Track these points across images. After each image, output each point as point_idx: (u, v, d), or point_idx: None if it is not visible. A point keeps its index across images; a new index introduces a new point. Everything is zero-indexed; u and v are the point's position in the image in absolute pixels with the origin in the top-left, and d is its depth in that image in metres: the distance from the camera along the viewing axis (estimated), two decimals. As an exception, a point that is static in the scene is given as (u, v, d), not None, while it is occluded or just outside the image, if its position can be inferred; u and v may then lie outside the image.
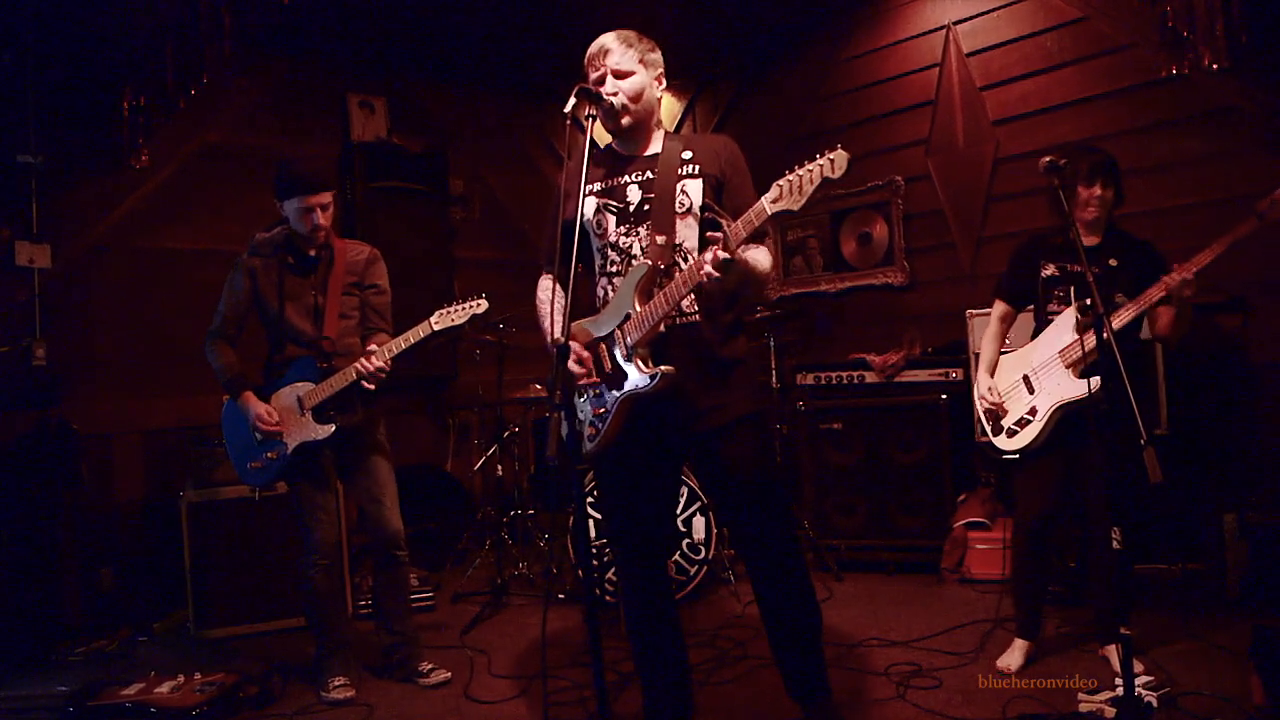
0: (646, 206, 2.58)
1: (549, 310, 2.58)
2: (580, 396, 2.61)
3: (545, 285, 2.86)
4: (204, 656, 4.08)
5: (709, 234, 2.34)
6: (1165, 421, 4.15)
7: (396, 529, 3.56)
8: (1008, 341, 3.70)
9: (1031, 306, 3.50)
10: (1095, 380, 3.08)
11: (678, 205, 2.57)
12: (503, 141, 6.89)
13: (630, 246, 2.60)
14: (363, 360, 3.32)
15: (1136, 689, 2.59)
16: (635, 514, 2.72)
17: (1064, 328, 3.28)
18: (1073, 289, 3.27)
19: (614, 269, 2.63)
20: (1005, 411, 3.40)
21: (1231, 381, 4.41)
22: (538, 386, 5.31)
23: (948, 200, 5.53)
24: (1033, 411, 3.30)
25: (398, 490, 3.63)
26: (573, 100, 2.40)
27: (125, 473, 4.99)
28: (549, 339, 2.54)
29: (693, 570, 4.39)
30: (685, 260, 2.53)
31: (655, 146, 2.70)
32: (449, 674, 3.60)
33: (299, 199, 3.38)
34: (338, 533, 3.63)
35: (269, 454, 3.46)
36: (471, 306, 3.32)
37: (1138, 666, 2.97)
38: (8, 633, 4.19)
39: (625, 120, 2.61)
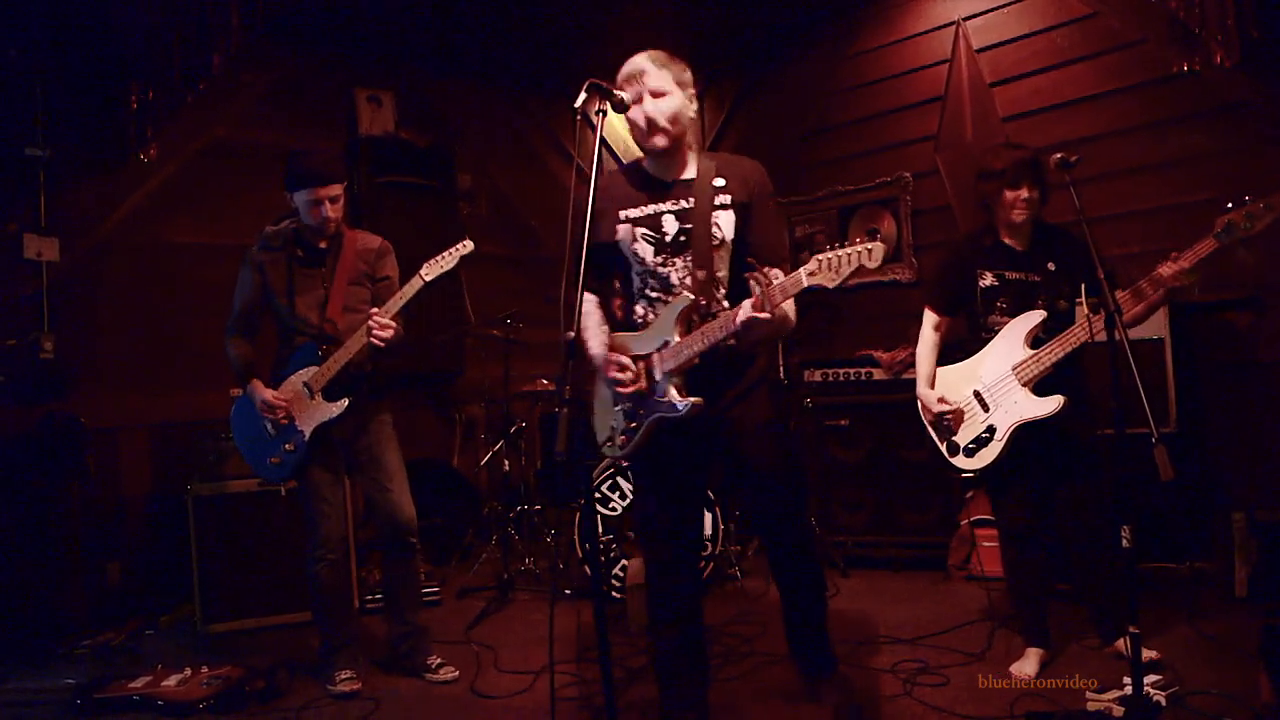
0: (683, 238, 2.68)
1: (585, 326, 2.76)
2: (616, 404, 2.75)
3: (585, 302, 2.81)
4: (210, 650, 4.09)
5: (750, 279, 2.46)
6: (1174, 420, 4.14)
7: (408, 516, 3.51)
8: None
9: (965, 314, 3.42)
10: (1059, 399, 3.09)
11: (713, 239, 2.67)
12: (510, 137, 6.88)
13: (668, 275, 2.70)
14: (370, 321, 3.26)
15: (1144, 688, 2.58)
16: (665, 515, 2.82)
17: (1013, 341, 3.21)
18: (1040, 298, 3.21)
19: (653, 294, 2.73)
20: (960, 426, 3.32)
21: (1241, 379, 4.39)
22: (544, 382, 5.32)
23: (956, 197, 5.51)
24: (990, 430, 3.24)
25: (405, 477, 3.58)
26: (583, 95, 2.39)
27: (132, 467, 5.00)
28: (590, 357, 2.76)
29: (700, 562, 4.38)
30: (720, 290, 2.66)
31: (690, 170, 2.75)
32: (457, 671, 3.57)
33: (308, 191, 3.37)
34: (344, 527, 3.60)
35: (287, 445, 3.42)
36: (458, 250, 3.33)
37: (1145, 652, 2.95)
38: (15, 626, 4.20)
39: (660, 140, 2.66)
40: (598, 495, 4.38)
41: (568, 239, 2.44)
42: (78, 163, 4.81)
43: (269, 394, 3.40)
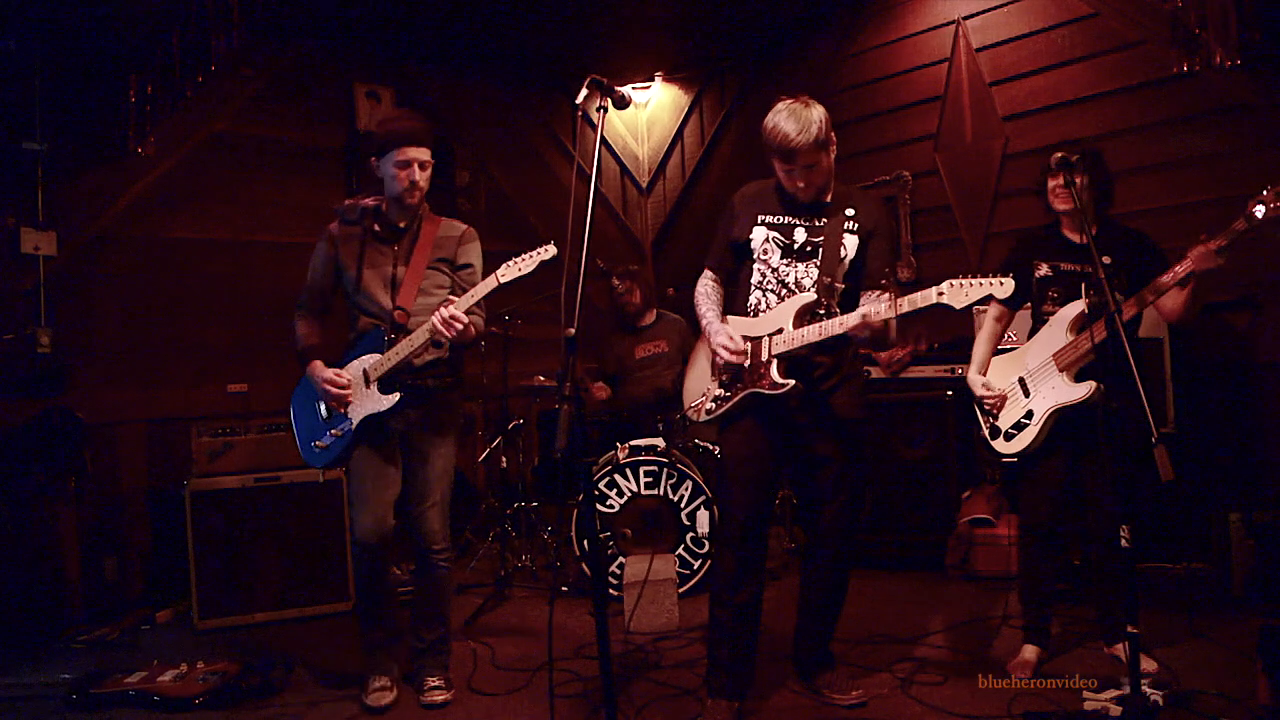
0: (809, 248, 2.99)
1: (704, 302, 3.15)
2: (713, 374, 3.09)
3: (705, 280, 3.24)
4: (207, 646, 4.08)
5: (879, 294, 2.86)
6: (1172, 420, 4.14)
7: (432, 529, 3.31)
8: (1012, 336, 3.67)
9: (1029, 305, 3.46)
10: (1091, 384, 3.09)
11: (840, 254, 2.96)
12: (509, 133, 6.87)
13: (788, 276, 3.00)
14: (439, 312, 3.03)
15: (1142, 688, 2.59)
16: (747, 492, 3.01)
17: (1057, 329, 3.24)
18: (1083, 286, 3.24)
19: (769, 287, 3.03)
20: (1003, 409, 3.36)
21: (1239, 380, 4.40)
22: (542, 378, 5.31)
23: (955, 196, 5.51)
24: (1029, 415, 3.27)
25: (449, 487, 3.37)
26: (584, 92, 2.39)
27: (129, 461, 4.99)
28: (704, 326, 3.11)
29: (696, 564, 4.39)
30: (835, 297, 2.92)
31: (828, 195, 3.06)
32: (450, 695, 3.32)
33: (396, 150, 3.18)
34: (386, 518, 3.28)
35: (334, 431, 3.26)
36: (539, 254, 3.02)
37: (1144, 665, 2.96)
38: (11, 620, 4.20)
39: (811, 196, 3.00)
40: (595, 492, 4.37)
41: (567, 236, 2.45)
42: (76, 156, 4.80)
43: (330, 372, 3.22)
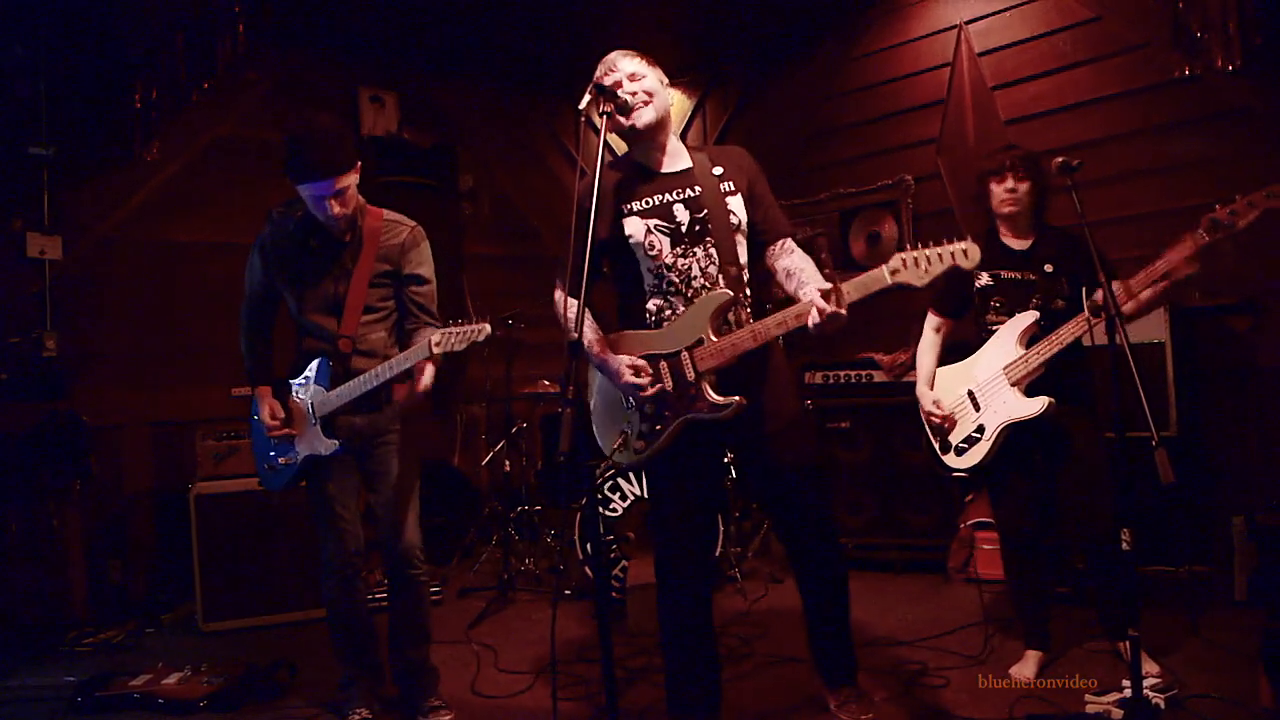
0: (698, 227, 2.62)
1: (567, 314, 2.64)
2: (628, 406, 2.68)
3: (559, 298, 2.80)
4: (211, 648, 4.09)
5: (820, 290, 2.36)
6: (1174, 423, 4.14)
7: (409, 543, 3.12)
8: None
9: (969, 314, 3.42)
10: (1044, 400, 3.08)
11: (732, 225, 2.63)
12: (512, 137, 6.89)
13: (689, 268, 2.62)
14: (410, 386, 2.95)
15: (1144, 691, 2.59)
16: (684, 521, 2.74)
17: (1006, 341, 3.20)
18: (1032, 297, 3.21)
19: (671, 289, 2.65)
20: (953, 427, 3.32)
21: (1241, 383, 4.40)
22: (546, 383, 5.32)
23: (958, 200, 5.51)
24: (980, 430, 3.23)
25: (419, 498, 3.22)
26: (587, 97, 2.41)
27: (134, 464, 5.01)
28: (591, 357, 2.67)
29: (711, 571, 4.39)
30: (743, 284, 2.59)
31: (682, 160, 2.73)
32: (451, 716, 3.19)
33: (306, 186, 2.88)
34: (356, 543, 3.15)
35: (282, 459, 3.12)
36: (471, 333, 2.78)
37: (1147, 667, 2.96)
38: (16, 623, 4.21)
39: (649, 115, 2.60)
40: (598, 496, 4.38)
41: (570, 241, 2.45)
42: (81, 161, 4.83)
43: (266, 410, 3.08)
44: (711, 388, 2.54)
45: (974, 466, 3.26)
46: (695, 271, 2.62)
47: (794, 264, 2.67)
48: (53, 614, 4.34)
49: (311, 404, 3.05)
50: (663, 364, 2.59)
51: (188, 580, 4.40)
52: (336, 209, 2.93)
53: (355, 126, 5.88)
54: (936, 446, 3.39)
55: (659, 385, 2.58)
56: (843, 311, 2.33)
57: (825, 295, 2.34)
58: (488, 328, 2.78)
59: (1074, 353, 3.12)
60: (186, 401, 5.09)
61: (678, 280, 2.64)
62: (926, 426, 3.43)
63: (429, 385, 2.94)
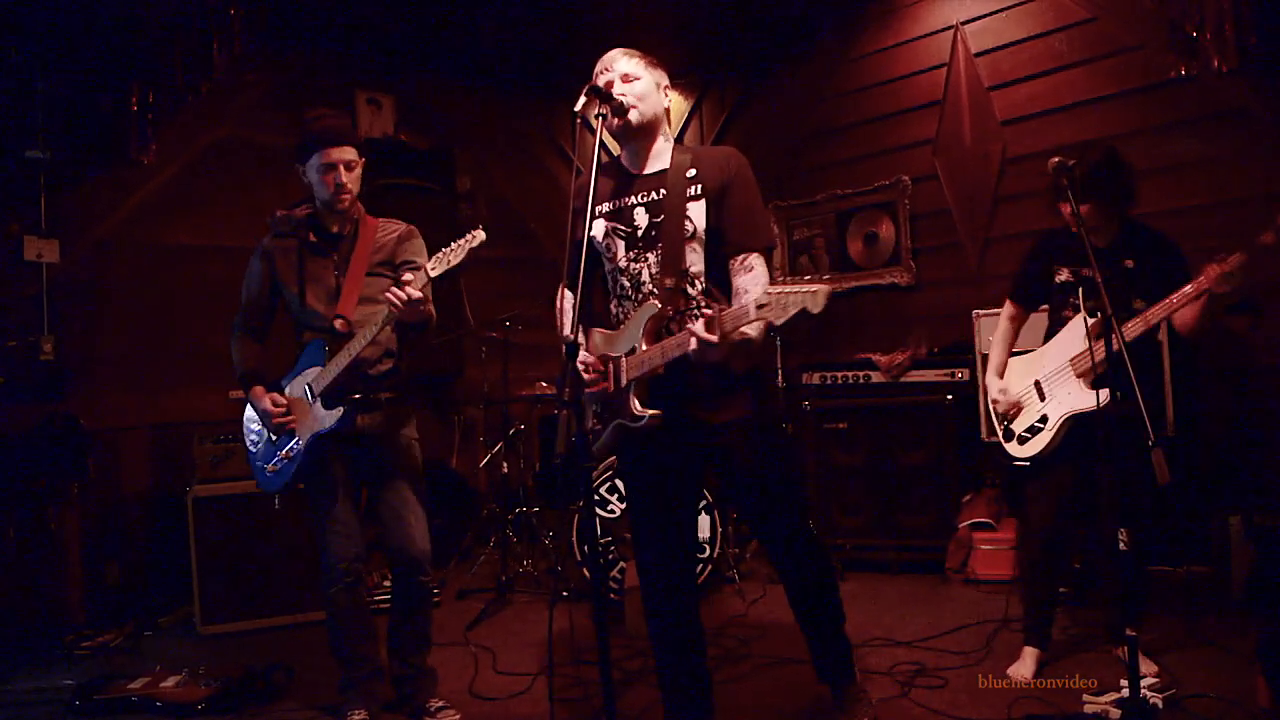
0: (654, 233, 2.57)
1: (563, 313, 2.74)
2: (592, 403, 2.66)
3: (562, 297, 2.85)
4: (209, 651, 4.09)
5: (704, 310, 2.25)
6: (1172, 423, 4.14)
7: (421, 550, 3.13)
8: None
9: (1045, 308, 3.43)
10: (1104, 393, 3.04)
11: (685, 233, 2.54)
12: (510, 139, 6.89)
13: (640, 273, 2.60)
14: (392, 292, 2.83)
15: (1141, 691, 2.59)
16: (651, 523, 2.73)
17: (1075, 334, 3.22)
18: (1099, 294, 3.20)
19: (624, 293, 2.65)
20: (1018, 414, 3.34)
21: (1239, 383, 4.40)
22: (543, 384, 5.32)
23: (955, 200, 5.52)
24: (1043, 419, 3.25)
25: (424, 497, 3.22)
26: (583, 99, 2.41)
27: (132, 467, 5.01)
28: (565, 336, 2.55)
29: (697, 568, 4.39)
30: (696, 286, 2.41)
31: (663, 161, 2.67)
32: (458, 715, 3.20)
33: (319, 153, 3.00)
34: (358, 545, 3.16)
35: (283, 454, 3.12)
36: (467, 241, 2.79)
37: (1145, 668, 2.96)
38: (15, 626, 4.21)
39: (634, 117, 2.59)
40: (596, 497, 4.38)
41: (566, 241, 2.46)
42: (78, 164, 4.82)
43: (267, 400, 3.11)
44: (638, 399, 2.46)
45: (1035, 456, 3.28)
46: (645, 277, 2.59)
47: (743, 283, 2.54)
48: (51, 617, 4.34)
49: (309, 385, 3.08)
50: (610, 366, 2.55)
51: (186, 583, 4.40)
52: (345, 179, 3.03)
53: (352, 129, 5.88)
54: (1000, 434, 3.42)
55: (605, 384, 2.54)
56: (714, 339, 2.21)
57: (708, 324, 2.23)
58: (482, 233, 2.79)
59: (1144, 350, 3.11)
60: (184, 404, 5.09)
61: (628, 284, 2.63)
62: (992, 414, 3.47)
63: (418, 296, 2.82)
